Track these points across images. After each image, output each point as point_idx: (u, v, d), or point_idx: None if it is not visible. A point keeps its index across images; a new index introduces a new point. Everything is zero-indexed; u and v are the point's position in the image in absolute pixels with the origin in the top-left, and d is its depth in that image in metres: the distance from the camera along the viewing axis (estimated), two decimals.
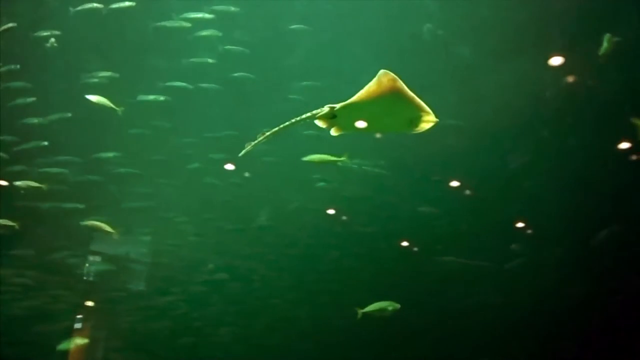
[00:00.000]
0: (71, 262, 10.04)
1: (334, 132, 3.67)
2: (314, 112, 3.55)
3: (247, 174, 9.27)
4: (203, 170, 9.09)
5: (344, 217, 10.11)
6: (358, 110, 3.48)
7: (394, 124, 3.62)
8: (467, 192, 9.32)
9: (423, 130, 3.49)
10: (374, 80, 3.33)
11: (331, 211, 9.99)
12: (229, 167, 8.98)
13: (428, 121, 3.44)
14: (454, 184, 9.23)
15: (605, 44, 6.94)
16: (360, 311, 8.18)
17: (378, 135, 7.87)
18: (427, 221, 9.67)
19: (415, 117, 3.44)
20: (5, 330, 9.42)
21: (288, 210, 9.88)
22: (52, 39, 7.57)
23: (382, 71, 3.31)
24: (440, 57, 8.25)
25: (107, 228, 8.50)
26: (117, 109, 7.54)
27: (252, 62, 8.32)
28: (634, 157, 8.05)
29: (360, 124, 3.62)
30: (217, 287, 10.96)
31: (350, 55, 8.23)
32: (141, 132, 8.55)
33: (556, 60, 7.68)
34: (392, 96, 3.33)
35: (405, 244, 10.23)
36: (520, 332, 9.76)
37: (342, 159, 7.53)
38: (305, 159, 7.66)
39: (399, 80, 3.29)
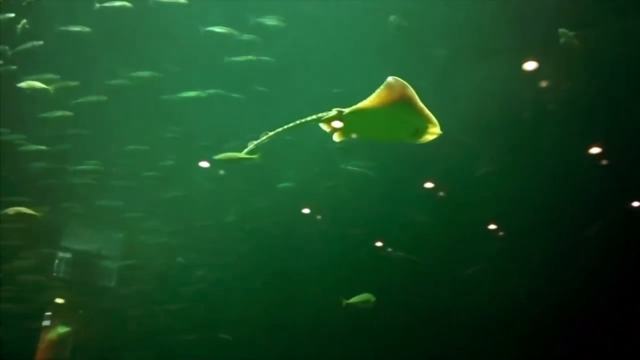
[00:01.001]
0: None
1: (337, 137, 3.61)
2: (321, 114, 3.51)
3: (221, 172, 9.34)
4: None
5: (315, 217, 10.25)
6: (366, 116, 3.41)
7: (399, 132, 3.53)
8: (441, 193, 9.47)
9: (426, 141, 3.44)
10: (384, 86, 3.28)
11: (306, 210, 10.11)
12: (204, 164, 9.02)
13: (433, 133, 3.40)
14: (428, 184, 9.37)
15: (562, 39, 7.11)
16: (345, 302, 8.37)
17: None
18: (401, 222, 9.79)
19: (422, 127, 3.40)
20: None
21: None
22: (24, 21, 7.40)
23: (391, 78, 3.26)
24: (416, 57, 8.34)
25: (31, 212, 8.16)
26: (48, 87, 7.55)
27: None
28: (605, 160, 8.28)
29: (366, 131, 3.60)
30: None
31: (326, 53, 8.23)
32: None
33: (529, 63, 7.79)
34: (402, 104, 3.30)
35: (379, 244, 10.34)
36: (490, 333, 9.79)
37: (253, 156, 7.31)
38: (217, 157, 7.66)
39: (409, 87, 3.26)
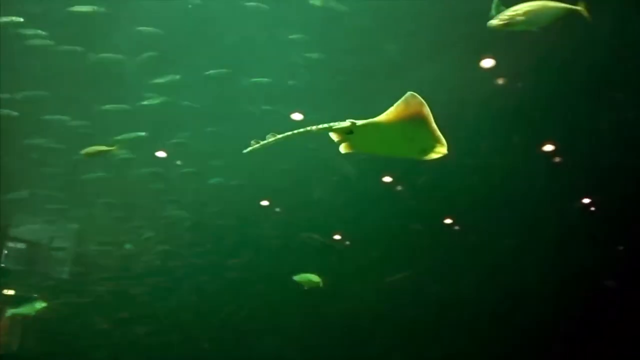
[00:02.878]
0: None
1: (343, 149, 3.59)
2: (332, 124, 3.49)
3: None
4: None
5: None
6: (378, 130, 3.40)
7: (406, 149, 3.52)
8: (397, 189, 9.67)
9: (431, 158, 3.45)
10: (401, 101, 3.26)
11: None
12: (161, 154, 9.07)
13: (439, 152, 3.41)
14: (386, 179, 9.56)
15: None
16: (295, 278, 8.55)
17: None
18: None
19: (430, 146, 3.41)
20: None
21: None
22: None
23: (409, 93, 3.25)
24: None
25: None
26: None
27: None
28: (558, 158, 8.58)
29: (374, 145, 3.59)
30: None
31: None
32: None
33: (484, 60, 7.94)
34: (417, 121, 3.28)
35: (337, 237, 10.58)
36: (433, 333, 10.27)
37: (112, 148, 7.51)
38: (82, 152, 7.70)
39: (426, 105, 3.25)
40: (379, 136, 3.46)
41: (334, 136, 3.58)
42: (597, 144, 8.23)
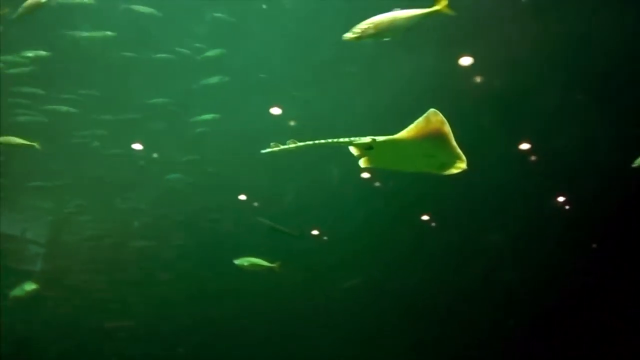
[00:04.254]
0: None
1: (363, 163, 3.61)
2: (353, 138, 3.52)
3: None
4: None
5: None
6: (398, 146, 3.41)
7: (426, 165, 3.55)
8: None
9: (449, 173, 3.48)
10: (422, 119, 3.27)
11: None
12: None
13: (458, 168, 3.44)
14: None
15: None
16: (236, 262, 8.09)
17: None
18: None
19: (450, 162, 3.44)
20: None
21: None
22: None
23: (431, 110, 3.26)
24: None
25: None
26: None
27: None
28: (534, 156, 8.65)
29: (393, 161, 3.63)
30: None
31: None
32: None
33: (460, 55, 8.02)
34: (437, 139, 3.29)
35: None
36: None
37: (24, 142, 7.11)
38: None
39: (447, 124, 3.27)
40: (399, 152, 3.49)
41: (353, 150, 3.59)
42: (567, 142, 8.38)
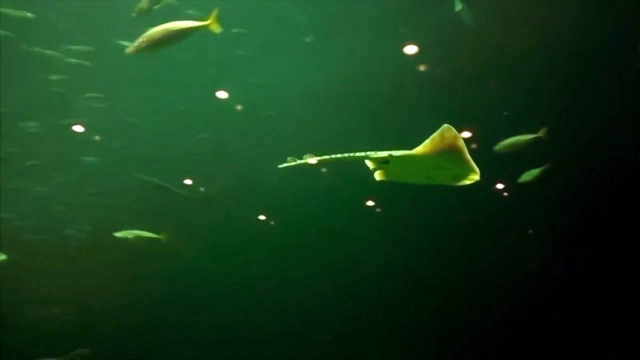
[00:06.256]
0: None
1: (378, 176, 3.75)
2: (369, 153, 3.61)
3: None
4: None
5: None
6: (413, 161, 3.54)
7: (439, 177, 3.68)
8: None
9: (463, 185, 3.65)
10: (437, 134, 3.41)
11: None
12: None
13: (471, 179, 3.60)
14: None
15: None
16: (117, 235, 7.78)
17: None
18: None
19: (463, 174, 3.58)
20: None
21: None
22: None
23: (445, 126, 3.39)
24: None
25: None
26: None
27: None
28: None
29: (408, 174, 3.77)
30: None
31: None
32: None
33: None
34: (452, 153, 3.43)
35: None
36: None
37: None
38: None
39: (461, 138, 3.43)
40: (414, 167, 3.64)
41: (369, 164, 3.74)
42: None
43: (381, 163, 3.68)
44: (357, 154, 3.62)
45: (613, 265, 8.88)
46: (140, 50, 4.73)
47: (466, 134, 7.80)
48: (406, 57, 8.15)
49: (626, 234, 8.70)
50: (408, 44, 7.98)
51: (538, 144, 6.93)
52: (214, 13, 4.70)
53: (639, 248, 8.70)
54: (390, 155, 3.61)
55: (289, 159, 3.65)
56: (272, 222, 10.54)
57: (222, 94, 8.91)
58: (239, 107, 9.25)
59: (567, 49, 7.53)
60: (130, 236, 7.74)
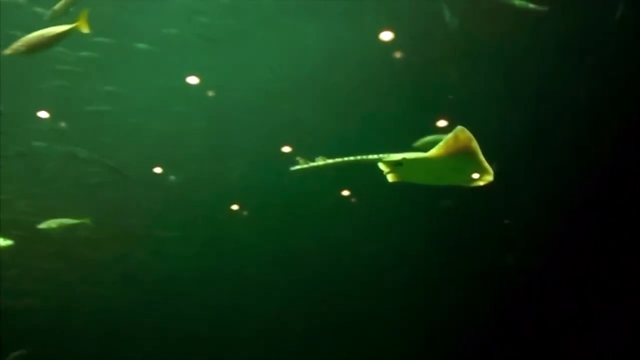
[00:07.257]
0: None
1: (391, 178, 3.67)
2: (383, 155, 3.53)
3: None
4: None
5: None
6: (427, 163, 3.52)
7: (453, 178, 3.69)
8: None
9: (475, 185, 3.64)
10: (451, 136, 3.39)
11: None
12: None
13: (484, 180, 3.59)
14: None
15: None
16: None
17: None
18: None
19: (477, 175, 3.59)
20: None
21: None
22: None
23: (459, 128, 3.39)
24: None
25: None
26: None
27: None
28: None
29: (422, 176, 3.70)
30: None
31: None
32: None
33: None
34: (465, 155, 3.43)
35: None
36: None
37: None
38: None
39: (474, 140, 3.41)
40: (427, 168, 3.61)
41: (382, 166, 3.68)
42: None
43: (394, 165, 3.62)
44: (370, 157, 3.62)
45: (593, 258, 9.01)
46: (18, 54, 4.85)
47: (442, 123, 7.79)
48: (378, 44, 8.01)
49: (607, 226, 8.84)
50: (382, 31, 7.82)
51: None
52: (84, 15, 4.85)
53: (621, 240, 8.85)
54: (404, 158, 3.60)
55: (300, 161, 3.52)
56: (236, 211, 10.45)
57: (193, 80, 8.72)
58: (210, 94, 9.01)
59: (545, 32, 7.48)
60: (54, 225, 7.60)
